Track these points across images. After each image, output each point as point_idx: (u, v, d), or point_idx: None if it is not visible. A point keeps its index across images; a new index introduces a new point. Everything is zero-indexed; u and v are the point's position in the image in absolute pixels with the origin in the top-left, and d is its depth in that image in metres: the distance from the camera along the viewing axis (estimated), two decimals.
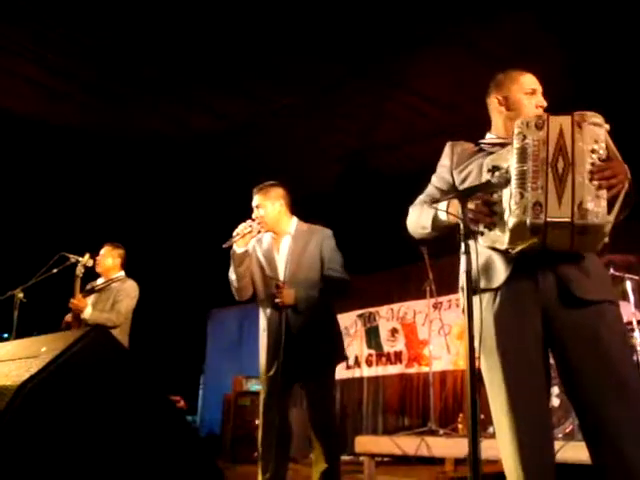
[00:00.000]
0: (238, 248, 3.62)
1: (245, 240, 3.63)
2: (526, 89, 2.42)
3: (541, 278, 2.17)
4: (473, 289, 2.11)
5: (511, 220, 2.06)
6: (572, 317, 2.13)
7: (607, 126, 2.09)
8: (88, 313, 4.79)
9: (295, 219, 3.84)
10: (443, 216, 2.30)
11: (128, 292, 4.95)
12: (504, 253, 2.20)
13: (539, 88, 2.43)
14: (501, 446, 2.21)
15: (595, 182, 1.99)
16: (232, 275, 3.70)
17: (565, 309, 2.14)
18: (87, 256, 4.91)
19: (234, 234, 3.60)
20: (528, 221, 2.02)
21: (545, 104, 2.41)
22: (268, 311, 3.65)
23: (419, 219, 2.45)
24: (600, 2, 4.92)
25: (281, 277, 3.65)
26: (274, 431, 3.56)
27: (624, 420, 2.02)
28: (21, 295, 4.92)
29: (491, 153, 2.30)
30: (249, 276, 3.72)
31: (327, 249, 3.75)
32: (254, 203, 3.75)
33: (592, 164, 2.01)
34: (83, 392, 1.31)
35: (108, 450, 1.38)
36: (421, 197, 2.52)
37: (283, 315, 3.57)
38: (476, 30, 5.28)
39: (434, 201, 2.29)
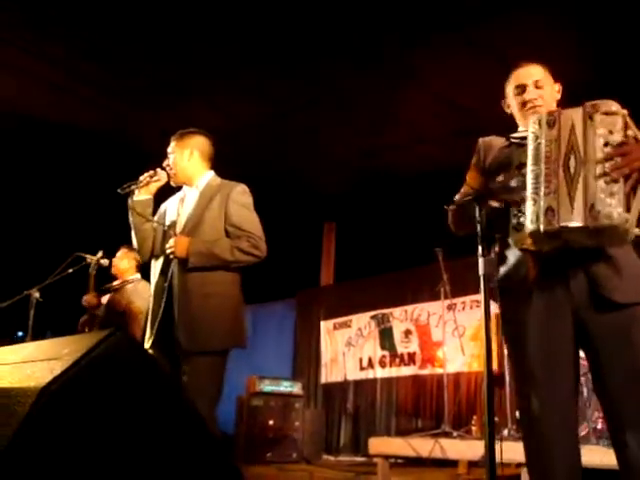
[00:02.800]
0: (137, 196, 3.20)
1: (149, 189, 3.23)
2: (515, 88, 2.40)
3: (572, 278, 2.13)
4: (505, 287, 2.10)
5: (527, 227, 2.03)
6: (604, 320, 2.09)
7: (624, 111, 2.00)
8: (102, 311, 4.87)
9: (211, 173, 3.36)
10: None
11: (141, 294, 4.97)
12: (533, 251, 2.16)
13: (530, 80, 2.37)
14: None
15: (608, 177, 1.92)
16: (132, 230, 3.25)
17: (596, 311, 2.10)
18: (100, 253, 4.97)
19: (138, 180, 3.21)
20: (542, 228, 1.98)
21: (534, 96, 2.33)
22: (157, 270, 3.17)
23: (461, 219, 2.38)
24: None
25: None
26: None
27: None
28: (37, 295, 4.96)
29: (521, 146, 2.22)
30: (150, 232, 3.23)
31: (233, 204, 3.18)
32: (168, 149, 3.34)
33: (604, 159, 1.94)
34: (106, 394, 1.32)
35: (129, 451, 1.38)
36: (457, 196, 2.42)
37: (169, 274, 3.07)
38: (490, 30, 5.27)
39: (465, 201, 2.23)
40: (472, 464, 5.17)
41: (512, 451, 3.44)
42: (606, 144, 1.96)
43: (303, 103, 6.48)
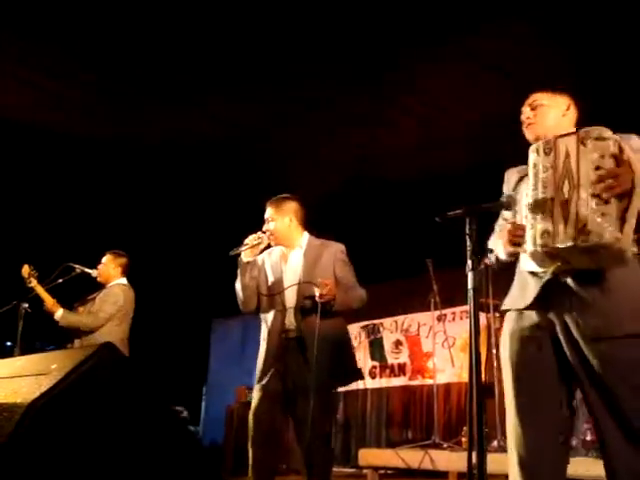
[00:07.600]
0: (245, 257, 3.53)
1: (254, 251, 3.55)
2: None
3: (561, 308, 2.18)
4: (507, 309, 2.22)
5: (527, 249, 2.12)
6: (587, 351, 2.13)
7: (615, 137, 2.06)
8: (59, 315, 4.77)
9: (307, 234, 3.75)
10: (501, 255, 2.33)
11: (109, 297, 4.85)
12: (536, 275, 2.22)
13: (528, 102, 2.44)
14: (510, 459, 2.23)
15: (599, 199, 1.99)
16: (237, 285, 3.59)
17: (581, 341, 2.15)
18: (95, 272, 4.98)
19: (244, 243, 3.51)
20: (539, 250, 2.08)
21: (527, 116, 2.42)
22: (270, 317, 3.53)
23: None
24: (601, 8, 4.94)
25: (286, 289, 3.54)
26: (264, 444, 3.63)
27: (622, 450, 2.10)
28: (26, 305, 4.94)
29: None
30: (254, 288, 3.58)
31: (339, 262, 3.62)
32: (266, 215, 3.67)
33: (595, 181, 2.00)
34: (94, 409, 1.31)
35: (116, 465, 1.38)
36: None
37: (286, 321, 3.47)
38: (479, 41, 5.31)
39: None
40: (462, 475, 5.16)
41: (501, 463, 3.44)
42: (597, 168, 2.02)
43: (299, 110, 6.47)
